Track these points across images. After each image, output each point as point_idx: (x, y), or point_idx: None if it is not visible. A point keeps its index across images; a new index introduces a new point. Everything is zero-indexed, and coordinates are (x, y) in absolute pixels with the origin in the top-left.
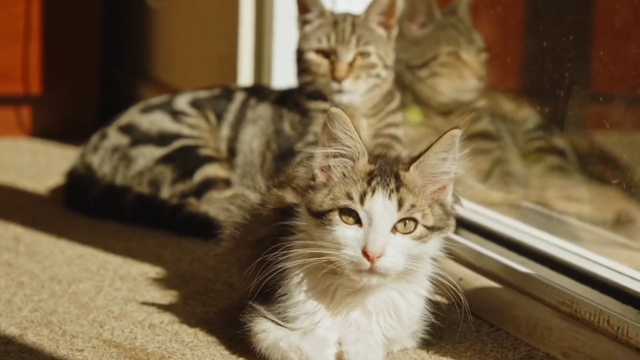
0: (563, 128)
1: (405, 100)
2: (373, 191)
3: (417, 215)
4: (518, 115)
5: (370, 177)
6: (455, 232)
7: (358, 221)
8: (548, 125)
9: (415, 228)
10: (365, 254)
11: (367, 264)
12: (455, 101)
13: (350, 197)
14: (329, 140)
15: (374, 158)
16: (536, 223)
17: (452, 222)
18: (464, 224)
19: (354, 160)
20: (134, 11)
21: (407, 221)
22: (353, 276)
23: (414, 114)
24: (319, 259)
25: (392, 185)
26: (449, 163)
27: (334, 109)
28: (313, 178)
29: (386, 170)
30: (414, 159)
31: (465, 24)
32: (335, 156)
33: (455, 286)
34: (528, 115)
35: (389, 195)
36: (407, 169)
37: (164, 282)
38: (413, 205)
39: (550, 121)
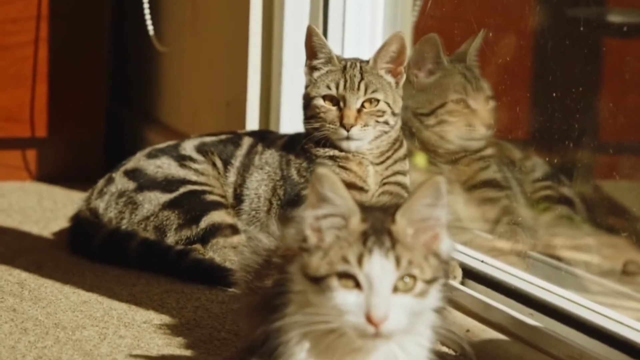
0: (572, 178)
1: (411, 147)
2: (370, 252)
3: (415, 271)
4: (526, 164)
5: (364, 237)
6: (462, 283)
7: (358, 284)
8: (556, 174)
9: (415, 284)
10: (368, 319)
11: (371, 329)
12: (463, 149)
13: (347, 261)
14: (318, 201)
15: (365, 215)
16: (544, 274)
17: (448, 268)
18: (471, 275)
19: (345, 220)
20: (141, 54)
21: (406, 278)
22: (358, 341)
23: (420, 160)
24: (319, 325)
25: (388, 244)
26: (436, 210)
27: (320, 170)
28: (304, 240)
29: (379, 227)
30: (398, 208)
31: (474, 72)
32: (325, 217)
33: (456, 335)
34: (536, 164)
35: (386, 254)
36: (394, 220)
37: (169, 330)
38: (410, 262)
39: (558, 171)
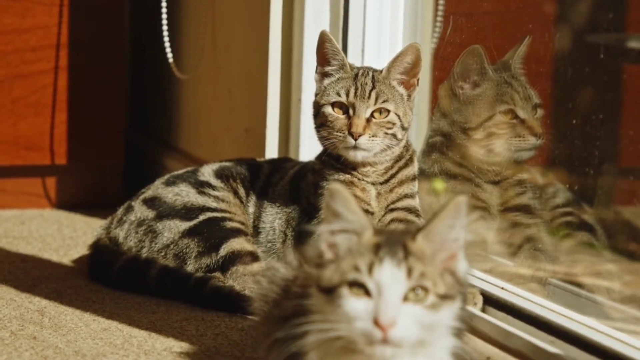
0: (592, 204)
1: (450, 167)
2: (381, 261)
3: (428, 284)
4: (546, 190)
5: (377, 248)
6: (483, 310)
7: (368, 293)
8: (577, 201)
9: (426, 296)
10: (376, 324)
11: (379, 334)
12: (512, 162)
13: (357, 269)
14: (331, 216)
15: (379, 231)
16: (565, 301)
17: (464, 290)
18: (491, 302)
19: (358, 235)
20: (161, 82)
21: (418, 289)
22: (367, 350)
23: (439, 186)
24: (331, 335)
25: (400, 254)
26: (456, 230)
27: (333, 186)
28: (320, 256)
29: (393, 241)
30: (421, 228)
31: (520, 80)
32: (339, 231)
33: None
34: (557, 191)
35: (398, 263)
36: (414, 238)
37: (189, 357)
38: (423, 274)
39: (579, 197)
